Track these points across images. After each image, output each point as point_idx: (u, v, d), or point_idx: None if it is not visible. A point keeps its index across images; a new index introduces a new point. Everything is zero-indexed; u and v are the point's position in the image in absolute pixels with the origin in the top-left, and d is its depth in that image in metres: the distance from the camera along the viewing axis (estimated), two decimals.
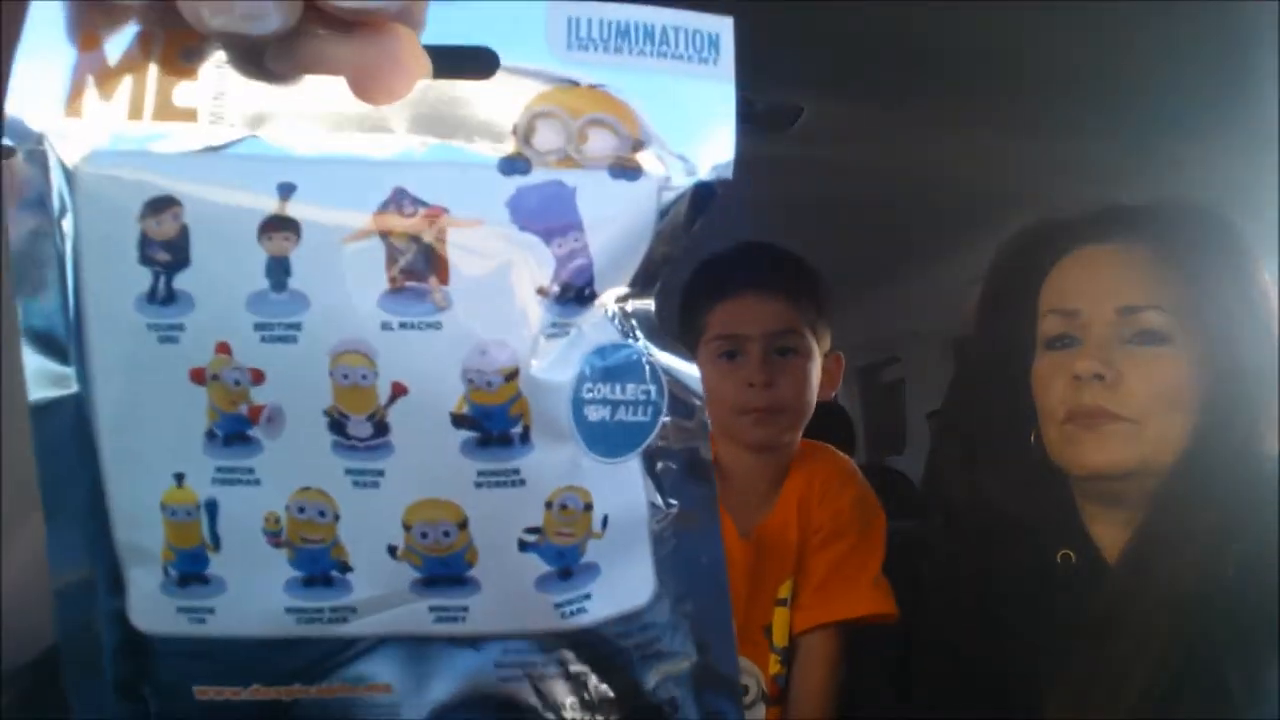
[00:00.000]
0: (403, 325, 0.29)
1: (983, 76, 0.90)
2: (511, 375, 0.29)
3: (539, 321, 0.30)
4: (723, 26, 0.33)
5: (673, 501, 0.33)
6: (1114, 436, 0.63)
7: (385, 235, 0.30)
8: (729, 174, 0.32)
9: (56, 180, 0.31)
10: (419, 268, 0.30)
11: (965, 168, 1.13)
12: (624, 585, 0.33)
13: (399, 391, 0.30)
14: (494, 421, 0.30)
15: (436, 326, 0.29)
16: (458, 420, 0.30)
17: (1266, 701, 0.57)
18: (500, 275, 0.30)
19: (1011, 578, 0.69)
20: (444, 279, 0.30)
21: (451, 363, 0.29)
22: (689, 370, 0.33)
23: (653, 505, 0.33)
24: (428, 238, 0.30)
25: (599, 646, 0.33)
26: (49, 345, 0.31)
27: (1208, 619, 0.59)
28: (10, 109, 0.31)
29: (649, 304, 0.33)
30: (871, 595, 0.93)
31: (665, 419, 0.33)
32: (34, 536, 0.39)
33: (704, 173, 0.32)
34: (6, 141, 0.31)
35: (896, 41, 0.83)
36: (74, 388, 0.32)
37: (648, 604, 0.33)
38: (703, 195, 0.32)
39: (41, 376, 0.31)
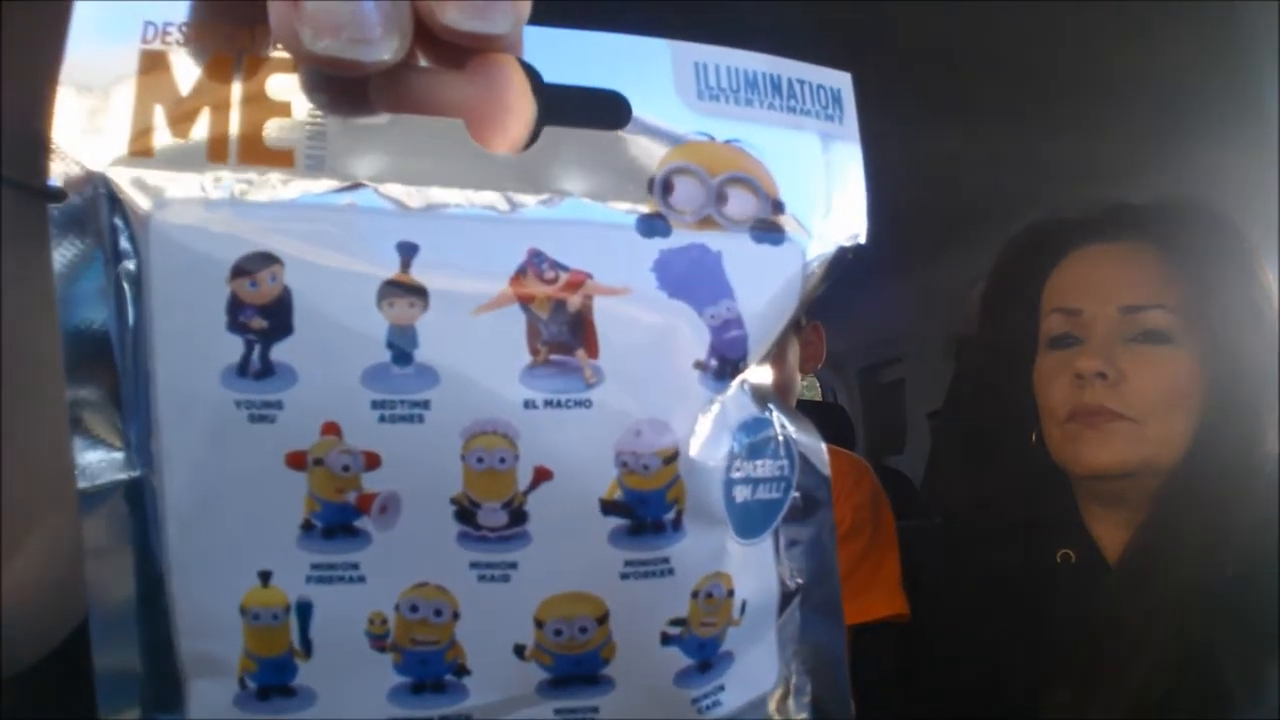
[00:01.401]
0: (548, 404, 0.26)
1: (983, 76, 0.92)
2: (671, 458, 0.27)
3: (698, 399, 0.28)
4: (843, 82, 0.32)
5: (797, 579, 0.32)
6: (1116, 435, 0.65)
7: (525, 303, 0.27)
8: (863, 239, 0.31)
9: (120, 230, 0.26)
10: (564, 339, 0.27)
11: (966, 168, 1.15)
12: (753, 672, 0.31)
13: (543, 476, 0.27)
14: (649, 508, 0.27)
15: (586, 405, 0.27)
16: (608, 507, 0.27)
17: (1266, 701, 0.60)
18: (655, 348, 0.27)
19: (1011, 577, 0.70)
20: (593, 352, 0.27)
21: (604, 445, 0.27)
22: (814, 441, 0.32)
23: (781, 583, 0.31)
24: (573, 306, 0.27)
25: None
26: (102, 423, 0.27)
27: (1208, 618, 0.61)
28: (58, 141, 0.26)
29: (769, 374, 0.31)
30: (888, 597, 0.91)
31: (796, 494, 0.31)
32: (45, 537, 0.34)
33: (842, 237, 0.31)
34: (54, 182, 0.26)
35: (896, 41, 0.84)
36: (132, 472, 0.27)
37: (772, 688, 0.31)
38: (838, 260, 0.31)
39: (93, 459, 0.27)
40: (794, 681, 0.32)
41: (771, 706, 0.31)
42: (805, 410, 0.36)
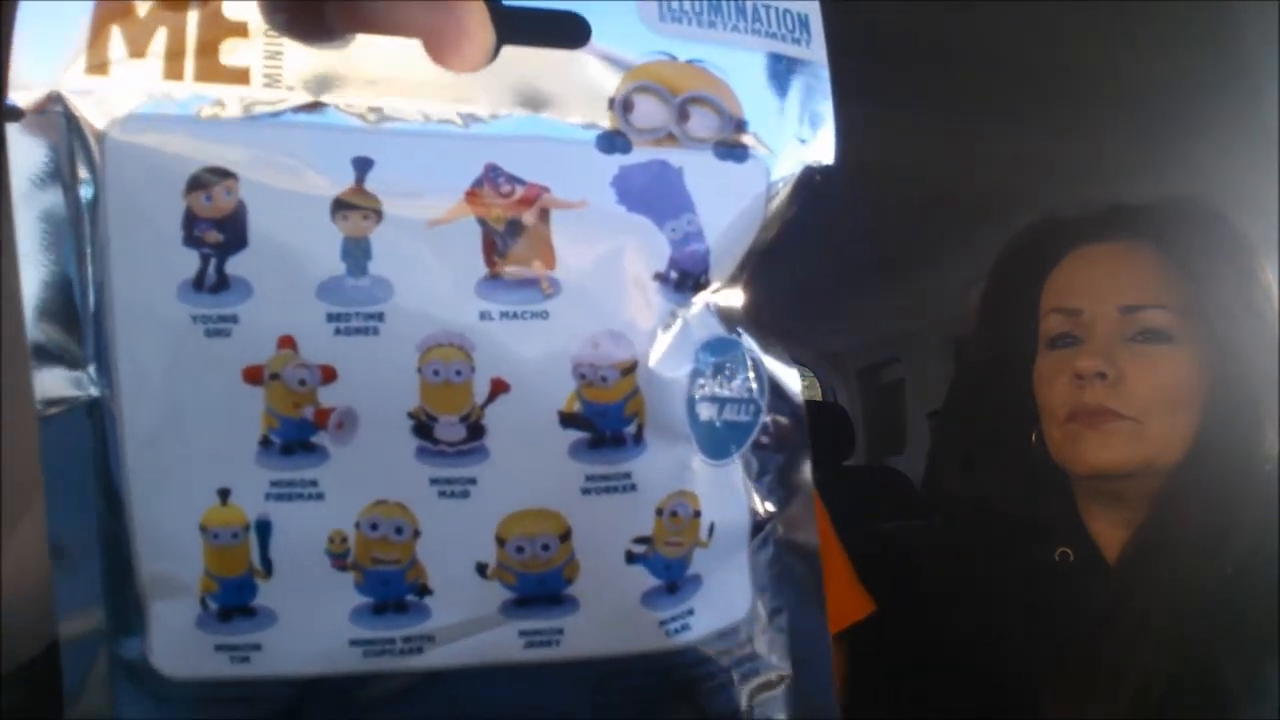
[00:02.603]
0: (504, 315, 0.26)
1: (983, 76, 0.92)
2: (629, 369, 0.27)
3: (658, 311, 0.27)
4: (810, 8, 0.32)
5: (770, 508, 0.31)
6: (1116, 435, 0.64)
7: (480, 215, 0.27)
8: (831, 160, 0.31)
9: (77, 148, 0.26)
10: (521, 251, 0.27)
11: (966, 168, 1.15)
12: (723, 598, 0.30)
13: (499, 388, 0.26)
14: (608, 420, 0.27)
15: (543, 316, 0.26)
16: (567, 419, 0.27)
17: (1265, 701, 0.59)
18: (614, 260, 0.27)
19: (1010, 576, 0.70)
20: (550, 263, 0.27)
21: (561, 356, 0.26)
22: (787, 369, 0.31)
23: (752, 511, 0.31)
24: (529, 219, 0.27)
25: (698, 666, 0.30)
26: (61, 341, 0.27)
27: (1207, 618, 0.60)
28: (16, 62, 0.26)
29: (742, 297, 0.31)
30: (857, 600, 0.89)
31: (766, 419, 0.31)
32: (33, 530, 0.34)
33: (809, 157, 0.30)
34: (12, 101, 0.26)
35: (895, 42, 0.84)
36: (90, 391, 0.27)
37: (745, 617, 0.31)
38: (805, 182, 0.30)
39: (49, 377, 0.27)
40: (769, 613, 0.31)
41: (744, 636, 0.31)
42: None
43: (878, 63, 0.85)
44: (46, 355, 0.27)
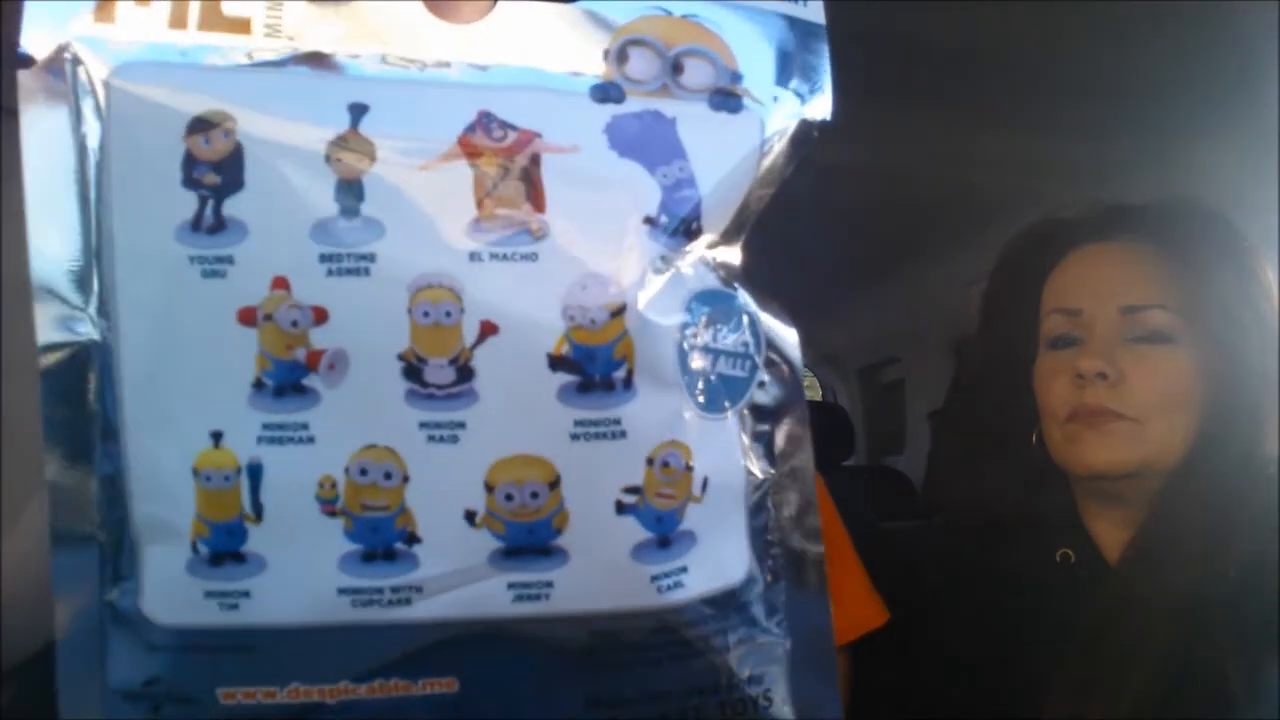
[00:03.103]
0: (494, 256, 0.26)
1: (983, 77, 0.92)
2: (618, 312, 0.26)
3: (647, 254, 0.27)
4: None
5: (769, 469, 0.31)
6: (1117, 436, 0.63)
7: (472, 159, 0.27)
8: (828, 115, 0.30)
9: (83, 94, 0.27)
10: (511, 194, 0.27)
11: (966, 168, 1.15)
12: (720, 559, 0.30)
13: (488, 330, 0.26)
14: (597, 364, 0.27)
15: (532, 258, 0.26)
16: (555, 362, 0.26)
17: (1267, 702, 0.57)
18: (604, 204, 0.27)
19: (1011, 577, 0.68)
20: (540, 206, 0.27)
21: (550, 298, 0.26)
22: (785, 328, 0.31)
23: (749, 471, 0.30)
24: (520, 163, 0.27)
25: (692, 628, 0.29)
26: (63, 284, 0.27)
27: (1209, 619, 0.59)
28: (28, 11, 0.27)
29: (740, 253, 0.31)
30: (876, 608, 0.86)
31: (763, 377, 0.30)
32: (30, 531, 0.34)
33: (805, 111, 0.30)
34: (24, 49, 0.27)
35: (895, 42, 0.84)
36: (91, 333, 0.27)
37: (742, 582, 0.30)
38: (801, 136, 0.30)
39: (52, 321, 0.27)
40: (766, 582, 0.31)
41: (740, 602, 0.30)
42: None
43: (878, 63, 0.85)
44: (50, 298, 0.27)
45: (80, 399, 0.27)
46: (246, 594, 0.27)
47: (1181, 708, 0.58)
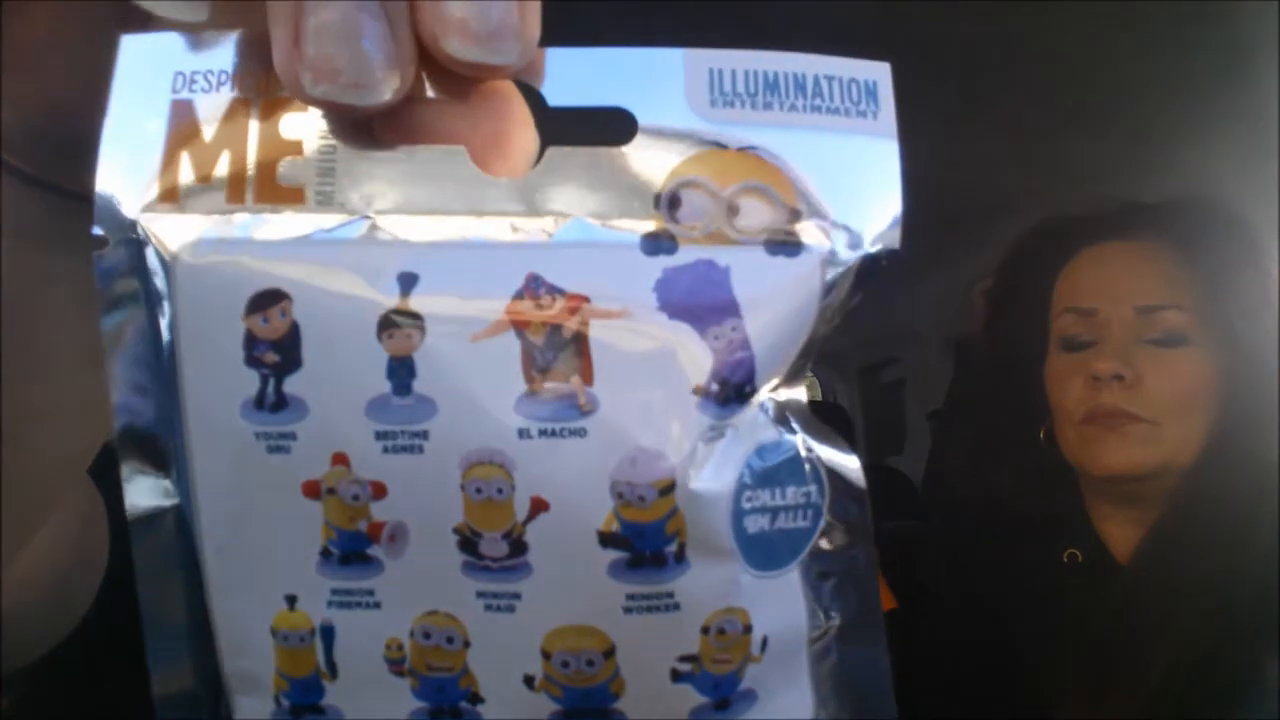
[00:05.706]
0: (543, 433, 0.26)
1: (982, 76, 0.88)
2: (667, 489, 0.26)
3: (697, 426, 0.26)
4: (880, 73, 0.29)
5: (833, 614, 0.29)
6: (1134, 438, 0.61)
7: (521, 329, 0.26)
8: (896, 244, 0.28)
9: (154, 272, 0.28)
10: (559, 366, 0.26)
11: (965, 167, 1.11)
12: (781, 711, 0.29)
13: (539, 507, 0.26)
14: (647, 540, 0.26)
15: (581, 434, 0.26)
16: (605, 539, 0.26)
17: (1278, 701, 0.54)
18: (652, 373, 0.26)
19: (1018, 576, 0.66)
20: (588, 379, 0.26)
21: (599, 474, 0.26)
22: (850, 463, 0.29)
23: (812, 619, 0.29)
24: (568, 331, 0.26)
25: None
26: (148, 453, 0.29)
27: (1222, 620, 0.56)
28: (101, 190, 0.28)
29: (802, 392, 0.29)
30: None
31: (826, 521, 0.29)
32: (46, 539, 0.36)
33: (870, 244, 0.28)
34: (98, 230, 0.28)
35: (895, 41, 0.80)
36: (175, 499, 0.29)
37: None
38: (868, 268, 0.28)
39: (141, 487, 0.29)
40: None
41: None
42: None
43: (880, 62, 0.81)
44: (139, 463, 0.29)
45: (171, 559, 0.29)
46: None
47: (1194, 708, 0.56)
